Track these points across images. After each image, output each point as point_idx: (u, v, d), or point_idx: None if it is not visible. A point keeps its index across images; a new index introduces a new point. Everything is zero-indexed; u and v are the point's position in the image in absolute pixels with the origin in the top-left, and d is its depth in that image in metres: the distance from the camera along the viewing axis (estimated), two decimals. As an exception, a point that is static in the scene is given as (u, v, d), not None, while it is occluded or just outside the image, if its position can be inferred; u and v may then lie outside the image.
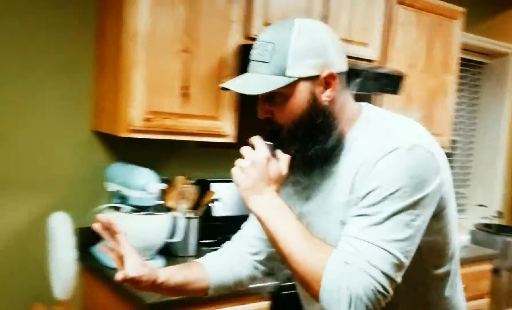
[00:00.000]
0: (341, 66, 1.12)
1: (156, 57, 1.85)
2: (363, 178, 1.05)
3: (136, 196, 1.89)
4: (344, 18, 2.36)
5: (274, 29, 1.11)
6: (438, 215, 1.09)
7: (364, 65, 2.41)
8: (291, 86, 1.07)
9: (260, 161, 1.08)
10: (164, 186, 1.93)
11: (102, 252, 1.15)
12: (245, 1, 2.04)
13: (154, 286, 1.15)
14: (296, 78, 1.06)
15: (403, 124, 1.12)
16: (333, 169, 1.12)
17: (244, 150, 1.11)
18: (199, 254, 1.95)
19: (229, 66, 2.01)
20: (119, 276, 1.09)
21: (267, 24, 2.09)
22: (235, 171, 1.10)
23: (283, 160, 1.11)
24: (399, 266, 1.00)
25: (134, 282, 1.12)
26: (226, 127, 2.07)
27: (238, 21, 2.02)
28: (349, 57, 2.52)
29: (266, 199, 1.08)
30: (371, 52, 2.49)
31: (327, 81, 1.08)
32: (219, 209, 2.30)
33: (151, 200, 1.91)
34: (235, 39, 2.03)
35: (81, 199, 2.08)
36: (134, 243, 2.05)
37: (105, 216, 1.11)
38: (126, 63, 1.81)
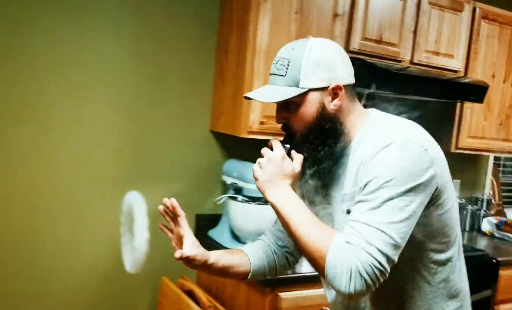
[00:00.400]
0: (348, 79, 1.24)
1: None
2: (363, 170, 1.17)
3: (250, 188, 2.20)
4: (432, 32, 2.58)
5: (291, 47, 1.24)
6: (436, 204, 1.19)
7: (450, 75, 2.62)
8: (303, 96, 1.20)
9: (276, 159, 1.21)
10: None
11: (160, 229, 1.32)
12: (347, 18, 2.31)
13: (205, 266, 1.30)
14: (307, 89, 1.20)
15: (401, 124, 1.24)
16: (343, 168, 1.24)
17: (263, 149, 1.24)
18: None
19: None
20: (177, 254, 1.22)
21: (365, 39, 2.35)
22: (255, 167, 1.24)
23: (297, 159, 1.23)
24: (395, 245, 1.09)
25: (189, 260, 1.26)
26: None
27: (340, 36, 2.29)
28: (436, 67, 2.75)
29: (281, 191, 1.20)
30: (456, 63, 2.69)
31: (335, 92, 1.21)
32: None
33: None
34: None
35: (200, 189, 2.41)
36: (248, 228, 2.38)
37: (170, 200, 1.28)
38: (248, 74, 2.12)
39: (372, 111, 1.30)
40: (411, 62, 2.54)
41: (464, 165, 3.29)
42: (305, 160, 1.24)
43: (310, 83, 1.20)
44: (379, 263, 1.08)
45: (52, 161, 2.10)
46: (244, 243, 2.17)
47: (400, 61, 2.49)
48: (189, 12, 2.29)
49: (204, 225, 2.39)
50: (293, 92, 1.20)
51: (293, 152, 1.23)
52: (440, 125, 2.81)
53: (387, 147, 1.15)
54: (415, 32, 2.52)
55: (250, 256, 1.39)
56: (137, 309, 2.34)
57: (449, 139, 2.81)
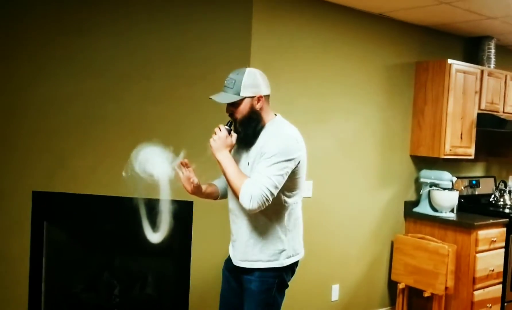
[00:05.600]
0: (266, 92, 2.21)
1: (460, 115, 4.18)
2: (265, 146, 2.13)
3: (443, 184, 4.20)
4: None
5: (236, 73, 2.18)
6: (295, 173, 2.17)
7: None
8: (241, 100, 2.17)
9: (222, 136, 2.17)
10: (454, 179, 4.25)
11: (179, 165, 2.24)
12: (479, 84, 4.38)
13: (200, 192, 2.33)
14: (244, 97, 2.16)
15: (289, 126, 2.23)
16: (256, 140, 2.20)
17: (216, 129, 2.19)
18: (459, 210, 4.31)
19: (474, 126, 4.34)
20: (195, 180, 2.26)
21: (490, 100, 4.42)
22: (211, 140, 2.18)
23: (234, 136, 2.20)
24: (275, 187, 2.08)
25: (195, 186, 2.27)
26: (470, 150, 4.37)
27: (475, 95, 4.36)
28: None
29: (223, 154, 2.16)
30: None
31: (259, 99, 2.18)
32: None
33: (449, 184, 4.22)
34: (475, 109, 4.35)
35: (405, 187, 4.40)
36: (441, 203, 4.58)
37: (183, 160, 2.23)
38: (443, 126, 4.13)
39: (278, 115, 2.29)
40: None
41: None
42: (238, 136, 2.21)
43: (246, 94, 2.17)
44: (266, 195, 2.05)
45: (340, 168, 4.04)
46: (440, 212, 4.16)
47: None
48: (400, 94, 4.30)
49: (410, 206, 4.38)
50: (236, 98, 2.17)
51: (232, 132, 2.21)
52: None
53: (277, 136, 2.15)
54: None
55: (219, 188, 2.46)
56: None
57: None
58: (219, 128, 2.21)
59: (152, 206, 2.27)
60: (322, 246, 3.84)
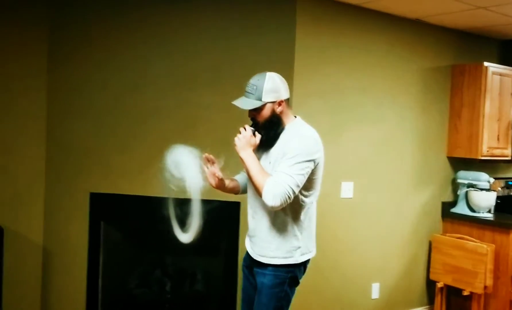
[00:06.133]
0: (286, 95, 2.28)
1: (496, 116, 4.25)
2: (286, 146, 2.20)
3: (480, 185, 4.28)
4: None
5: (257, 79, 2.25)
6: (313, 173, 2.24)
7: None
8: (263, 105, 2.24)
9: (247, 135, 2.25)
10: (492, 180, 4.32)
11: (204, 160, 2.33)
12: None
13: (223, 187, 2.42)
14: (265, 102, 2.24)
15: (307, 127, 2.30)
16: (276, 142, 2.28)
17: (241, 129, 2.26)
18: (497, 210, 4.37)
19: None
20: (220, 175, 2.35)
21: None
22: (236, 139, 2.25)
23: (258, 137, 2.27)
24: (297, 186, 2.16)
25: (219, 180, 2.36)
26: (507, 151, 4.44)
27: (516, 104, 4.43)
28: None
29: (247, 153, 2.23)
30: None
31: (279, 103, 2.26)
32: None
33: (486, 184, 4.29)
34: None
35: (442, 187, 4.48)
36: (479, 204, 4.64)
37: (208, 155, 2.33)
38: (480, 128, 4.21)
39: (298, 117, 2.37)
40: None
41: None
42: (261, 137, 2.28)
43: (267, 99, 2.25)
44: (288, 193, 2.14)
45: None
46: (478, 212, 4.24)
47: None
48: (436, 97, 4.40)
49: (447, 206, 4.46)
50: (258, 103, 2.25)
51: (256, 133, 2.28)
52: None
53: (297, 137, 2.22)
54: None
55: (240, 183, 2.54)
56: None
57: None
58: (244, 128, 2.30)
59: (200, 207, 2.32)
60: (363, 246, 3.97)
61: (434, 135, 4.40)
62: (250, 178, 2.27)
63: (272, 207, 2.16)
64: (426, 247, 4.38)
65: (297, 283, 2.40)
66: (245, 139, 2.26)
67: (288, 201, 2.15)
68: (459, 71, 4.38)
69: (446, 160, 4.49)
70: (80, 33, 3.52)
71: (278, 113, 2.27)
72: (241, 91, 2.31)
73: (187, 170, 2.29)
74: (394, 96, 4.09)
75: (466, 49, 4.50)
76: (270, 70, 2.32)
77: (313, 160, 2.21)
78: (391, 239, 4.16)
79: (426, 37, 4.23)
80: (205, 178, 2.35)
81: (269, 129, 2.28)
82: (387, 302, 4.14)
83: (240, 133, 2.28)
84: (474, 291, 3.98)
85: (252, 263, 2.43)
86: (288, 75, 3.38)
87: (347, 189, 3.81)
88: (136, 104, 3.49)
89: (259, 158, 2.33)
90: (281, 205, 2.14)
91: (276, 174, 2.18)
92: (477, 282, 3.96)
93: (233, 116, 2.55)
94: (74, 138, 3.55)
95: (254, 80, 2.27)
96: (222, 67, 3.47)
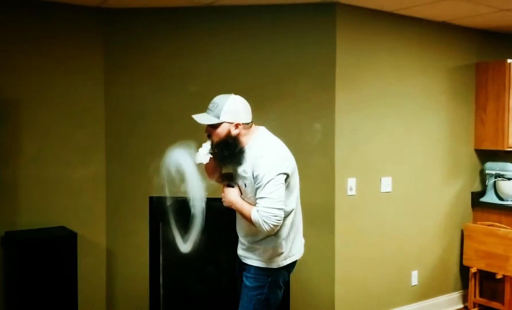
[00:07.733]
0: (246, 120, 2.31)
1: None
2: (254, 166, 2.26)
3: (509, 174, 4.53)
4: None
5: (219, 98, 2.31)
6: (288, 183, 2.31)
7: None
8: (220, 124, 2.29)
9: (227, 193, 2.41)
10: (519, 170, 4.59)
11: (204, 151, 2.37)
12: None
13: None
14: (222, 121, 2.28)
15: (269, 143, 2.33)
16: (242, 160, 2.32)
17: (224, 189, 2.43)
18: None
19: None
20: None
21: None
22: (222, 195, 2.41)
23: (207, 156, 2.34)
24: (278, 201, 2.21)
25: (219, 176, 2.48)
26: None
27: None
28: None
29: (234, 201, 2.35)
30: None
31: (236, 126, 2.29)
32: None
33: (512, 175, 4.57)
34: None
35: (470, 178, 4.75)
36: (508, 192, 4.79)
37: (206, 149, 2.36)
38: (506, 122, 4.46)
39: (262, 128, 2.40)
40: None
41: None
42: (214, 157, 2.35)
43: (225, 118, 2.30)
44: (273, 213, 2.21)
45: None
46: (506, 200, 4.50)
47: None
48: (462, 94, 4.65)
49: (476, 196, 4.72)
50: (215, 120, 2.30)
51: (208, 154, 2.36)
52: None
53: (261, 157, 2.25)
54: None
55: None
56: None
57: None
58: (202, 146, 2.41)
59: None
60: (402, 236, 4.24)
61: (462, 129, 4.66)
62: (241, 215, 2.43)
63: (270, 232, 2.28)
64: (458, 236, 4.64)
65: (279, 287, 2.47)
66: (226, 193, 2.42)
67: (279, 218, 2.25)
68: (483, 68, 4.64)
69: (474, 153, 4.75)
70: (145, 52, 3.81)
71: (234, 135, 2.33)
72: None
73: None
74: (426, 96, 4.35)
75: (489, 47, 4.76)
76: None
77: (282, 173, 2.29)
78: (426, 229, 4.42)
79: (451, 37, 4.50)
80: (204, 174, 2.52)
81: (223, 148, 2.34)
82: (425, 288, 4.41)
83: (202, 146, 2.41)
84: (506, 274, 4.24)
85: (241, 265, 2.56)
86: (329, 85, 3.67)
87: (386, 184, 4.07)
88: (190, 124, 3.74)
89: (236, 182, 2.45)
90: (276, 225, 2.25)
91: (257, 202, 2.29)
92: (509, 266, 4.22)
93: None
94: (133, 153, 3.85)
95: (217, 99, 2.37)
96: (266, 81, 3.73)
